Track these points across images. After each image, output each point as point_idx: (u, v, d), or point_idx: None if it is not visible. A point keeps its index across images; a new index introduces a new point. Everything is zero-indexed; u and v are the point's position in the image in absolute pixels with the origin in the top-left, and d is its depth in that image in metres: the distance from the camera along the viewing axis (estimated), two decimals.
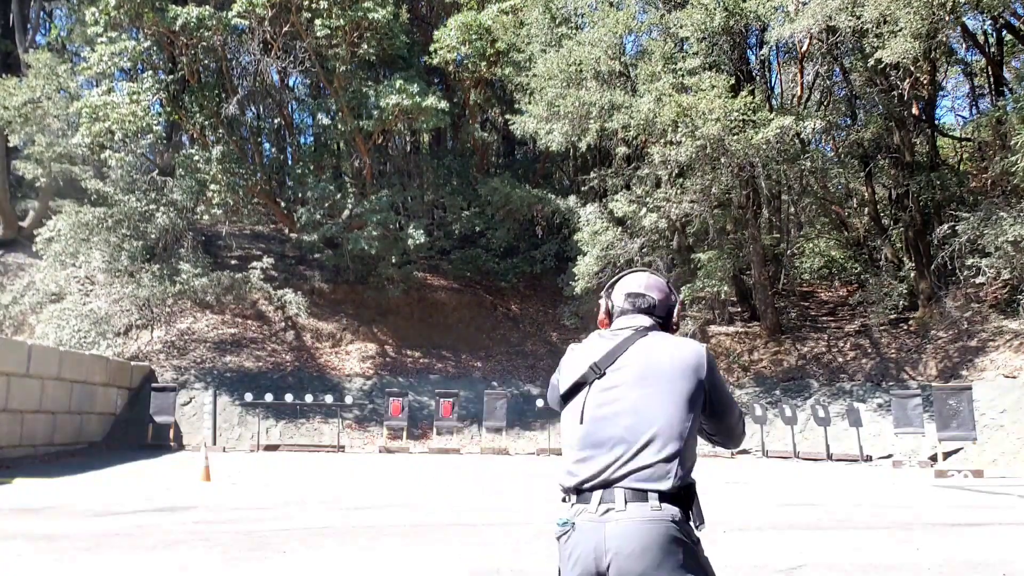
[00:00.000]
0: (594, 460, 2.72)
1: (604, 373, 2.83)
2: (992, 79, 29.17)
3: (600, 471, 2.69)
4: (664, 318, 3.06)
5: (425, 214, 35.80)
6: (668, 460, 2.65)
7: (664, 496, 2.62)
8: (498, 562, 8.78)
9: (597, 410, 2.79)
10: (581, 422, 2.80)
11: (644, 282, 3.10)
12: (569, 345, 3.11)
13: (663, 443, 2.67)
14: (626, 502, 2.61)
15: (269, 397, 26.30)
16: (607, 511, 2.62)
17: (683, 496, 2.66)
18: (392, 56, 31.55)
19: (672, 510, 2.61)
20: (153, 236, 29.51)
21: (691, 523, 2.66)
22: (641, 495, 2.62)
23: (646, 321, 2.98)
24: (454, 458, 24.70)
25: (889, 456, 22.42)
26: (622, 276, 3.18)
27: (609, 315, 3.11)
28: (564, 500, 2.81)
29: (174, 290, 27.66)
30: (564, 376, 2.96)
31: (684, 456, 2.68)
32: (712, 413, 2.87)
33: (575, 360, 2.96)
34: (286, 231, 33.94)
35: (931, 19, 21.61)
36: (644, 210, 27.01)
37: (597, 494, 2.67)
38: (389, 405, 26.98)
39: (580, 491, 2.73)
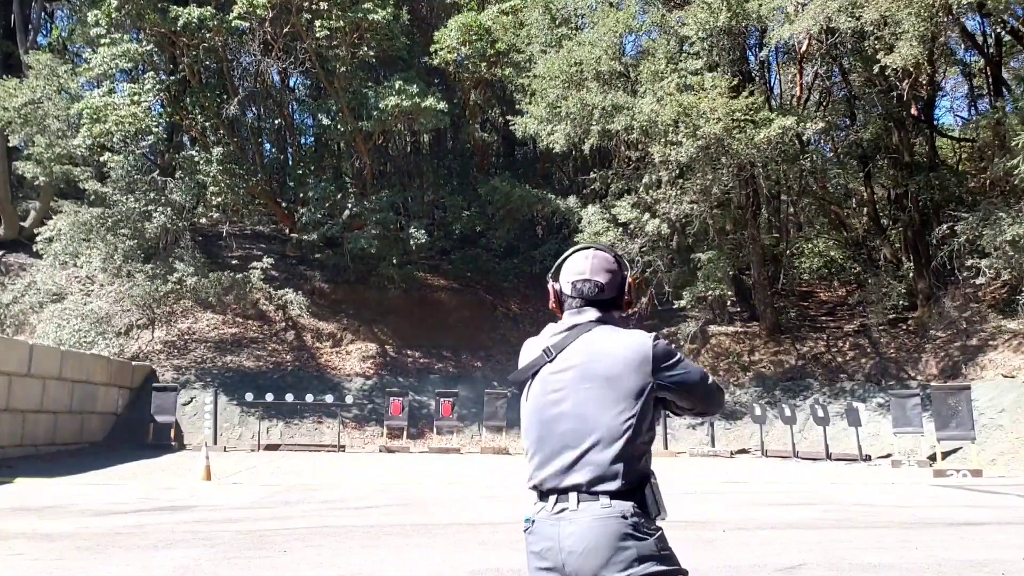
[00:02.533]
0: (547, 465, 2.77)
1: (555, 357, 2.84)
2: (991, 80, 29.20)
3: (552, 474, 2.75)
4: (616, 297, 2.97)
5: (425, 214, 35.81)
6: (613, 462, 2.67)
7: (615, 494, 2.65)
8: (497, 562, 8.81)
9: (544, 411, 2.82)
10: (533, 420, 2.86)
11: (588, 266, 2.97)
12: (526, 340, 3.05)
13: (606, 445, 2.69)
14: (578, 502, 2.66)
15: (270, 397, 26.32)
16: (562, 510, 2.68)
17: (636, 490, 2.69)
18: (392, 57, 31.59)
19: (624, 506, 2.63)
20: (152, 236, 29.51)
21: (648, 515, 2.68)
22: (592, 495, 2.66)
23: (592, 315, 2.91)
24: (454, 458, 24.74)
25: (888, 456, 22.46)
26: (567, 257, 3.07)
27: (559, 300, 3.05)
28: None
29: (166, 288, 27.63)
30: (520, 366, 2.95)
31: (629, 454, 2.69)
32: (678, 393, 2.84)
33: (530, 351, 2.96)
34: (287, 231, 33.96)
35: (931, 21, 21.66)
36: (647, 215, 27.04)
37: (552, 495, 2.73)
38: (389, 405, 27.02)
39: (539, 491, 2.79)
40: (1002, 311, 25.49)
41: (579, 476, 2.69)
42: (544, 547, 2.68)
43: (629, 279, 3.03)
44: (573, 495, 2.68)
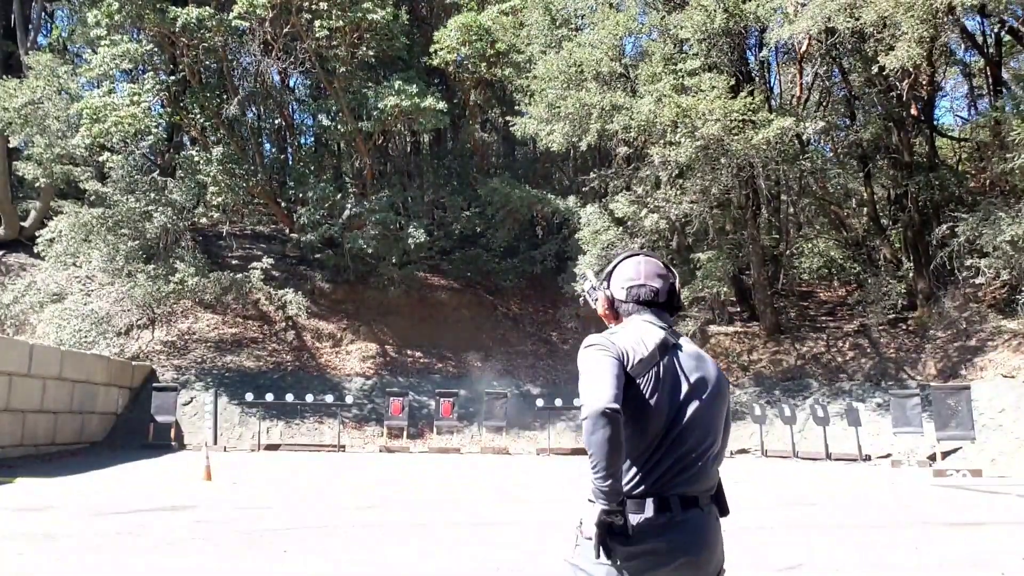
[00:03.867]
0: (677, 471, 2.85)
1: (673, 358, 2.90)
2: (991, 80, 29.20)
3: (685, 480, 2.86)
4: (668, 301, 3.06)
5: (425, 214, 35.83)
6: (717, 472, 2.99)
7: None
8: (498, 561, 8.83)
9: (671, 414, 2.85)
10: (655, 422, 2.84)
11: (643, 271, 3.06)
12: (589, 339, 2.94)
13: (719, 457, 2.97)
14: (708, 505, 2.94)
15: (270, 397, 26.35)
16: (692, 513, 2.86)
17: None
18: (392, 57, 31.63)
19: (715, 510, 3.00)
20: (152, 236, 29.53)
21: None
22: (711, 501, 2.95)
23: (665, 320, 3.01)
24: (454, 457, 24.76)
25: (888, 456, 22.45)
26: (618, 263, 3.14)
27: (612, 306, 3.09)
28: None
29: (168, 289, 27.66)
30: (631, 354, 2.86)
31: None
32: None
33: (630, 342, 2.89)
34: (287, 231, 33.98)
35: (932, 22, 21.67)
36: (645, 211, 27.07)
37: (676, 499, 2.86)
38: (389, 405, 27.04)
39: (658, 496, 2.84)
40: (1002, 311, 25.48)
41: (709, 483, 2.91)
42: (667, 546, 2.78)
43: (677, 285, 3.12)
44: (705, 498, 2.90)
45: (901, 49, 21.70)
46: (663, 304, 3.03)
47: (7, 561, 8.26)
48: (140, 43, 28.59)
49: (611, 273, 3.13)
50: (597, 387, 2.69)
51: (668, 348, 2.87)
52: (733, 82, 25.92)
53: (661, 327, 2.93)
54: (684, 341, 2.95)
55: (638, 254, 3.15)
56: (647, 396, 2.81)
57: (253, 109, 36.81)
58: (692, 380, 2.86)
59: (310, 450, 25.46)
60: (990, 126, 27.43)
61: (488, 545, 10.04)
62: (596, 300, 3.21)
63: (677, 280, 3.12)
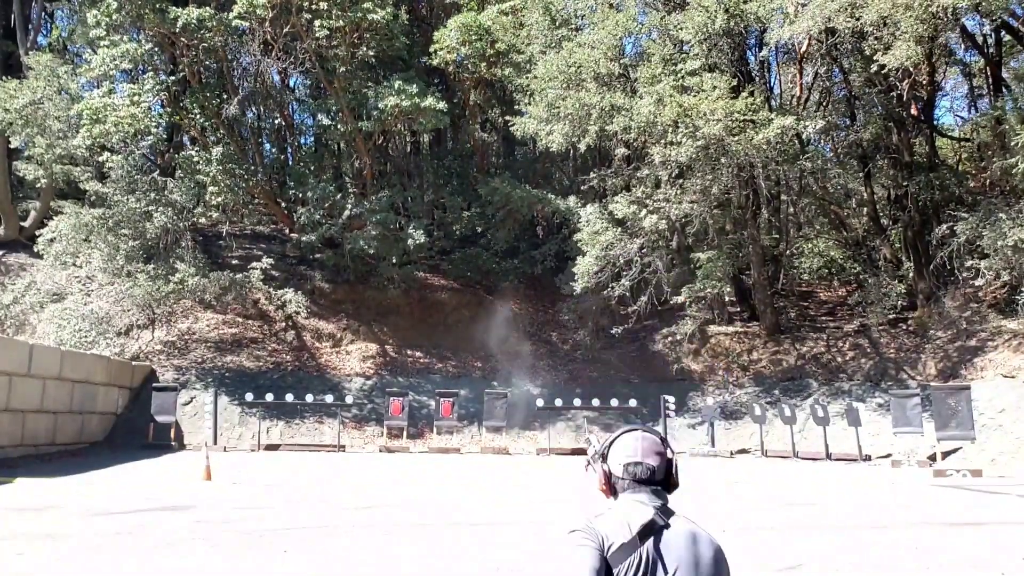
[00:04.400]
0: None
1: (667, 526, 2.85)
2: (991, 79, 29.19)
3: None
4: (664, 479, 3.00)
5: (425, 214, 35.87)
6: None
7: None
8: (498, 561, 8.85)
9: None
10: None
11: (639, 447, 3.00)
12: (571, 524, 2.94)
13: None
14: None
15: (269, 397, 26.38)
16: None
17: None
18: (392, 57, 31.68)
19: None
20: (152, 236, 29.56)
21: None
22: None
23: (658, 499, 2.93)
24: (454, 457, 24.79)
25: (888, 456, 22.49)
26: (613, 441, 3.08)
27: (609, 481, 3.04)
28: None
29: (168, 289, 27.69)
30: (612, 540, 2.83)
31: None
32: None
33: (613, 526, 2.86)
34: (287, 231, 34.01)
35: (931, 22, 21.68)
36: (644, 211, 27.09)
37: None
38: (389, 405, 27.06)
39: None
40: (1002, 311, 25.50)
41: None
42: None
43: (675, 463, 3.06)
44: None
45: (900, 48, 21.72)
46: (659, 482, 2.98)
47: (7, 561, 8.30)
48: (140, 43, 28.62)
49: (609, 447, 3.09)
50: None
51: (653, 531, 2.82)
52: (734, 82, 25.95)
53: (653, 506, 2.89)
54: (678, 520, 2.89)
55: (636, 430, 3.09)
56: None
57: (253, 109, 36.87)
58: (677, 566, 2.80)
59: (310, 450, 25.49)
60: (990, 126, 27.42)
61: (488, 545, 10.06)
62: (595, 472, 3.16)
63: (675, 458, 3.07)
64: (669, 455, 3.03)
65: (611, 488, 3.03)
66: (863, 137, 29.20)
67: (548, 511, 13.26)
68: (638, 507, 2.88)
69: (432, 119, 29.30)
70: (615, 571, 2.75)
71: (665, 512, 2.87)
